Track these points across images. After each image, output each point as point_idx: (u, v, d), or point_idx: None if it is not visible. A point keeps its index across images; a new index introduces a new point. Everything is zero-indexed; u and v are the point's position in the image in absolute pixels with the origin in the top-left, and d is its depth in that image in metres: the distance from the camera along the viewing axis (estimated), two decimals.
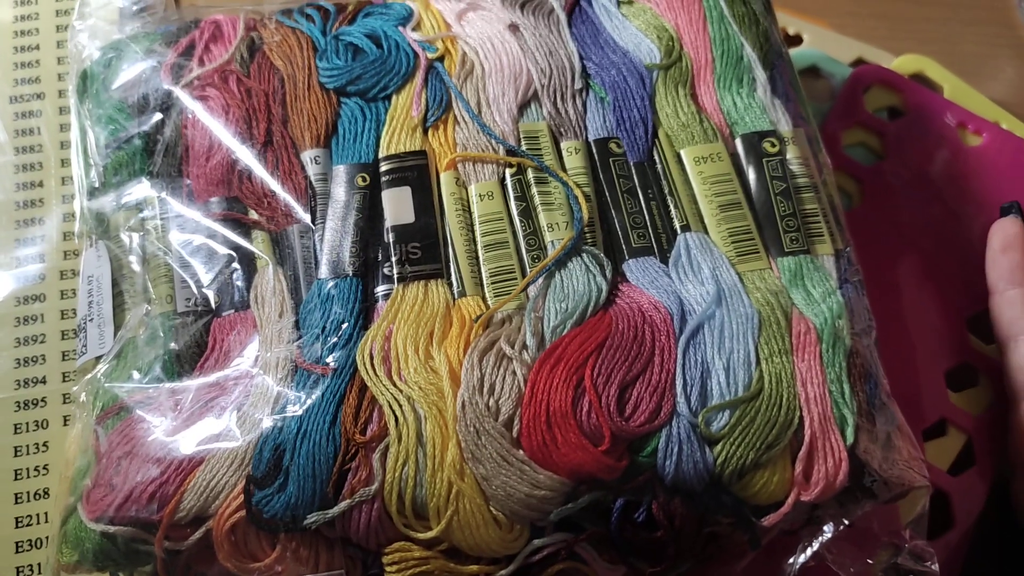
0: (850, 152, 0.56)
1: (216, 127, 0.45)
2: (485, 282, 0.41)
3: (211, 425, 0.38)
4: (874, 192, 0.54)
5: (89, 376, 0.42)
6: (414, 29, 0.48)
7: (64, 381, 0.50)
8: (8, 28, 0.58)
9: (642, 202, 0.43)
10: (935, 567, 0.39)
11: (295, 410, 0.38)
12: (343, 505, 0.36)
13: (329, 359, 0.39)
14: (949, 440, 0.49)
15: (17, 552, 0.46)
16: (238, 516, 0.37)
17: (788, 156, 0.44)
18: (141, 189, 0.44)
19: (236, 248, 0.43)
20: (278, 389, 0.39)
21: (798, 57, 0.59)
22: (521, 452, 0.37)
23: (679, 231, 0.43)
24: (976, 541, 0.47)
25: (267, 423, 0.38)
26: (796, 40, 0.61)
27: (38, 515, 0.47)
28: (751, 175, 0.44)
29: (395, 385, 0.38)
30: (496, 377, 0.38)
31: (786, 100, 0.46)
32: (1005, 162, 0.55)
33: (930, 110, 0.57)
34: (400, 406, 0.38)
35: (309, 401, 0.38)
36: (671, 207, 0.43)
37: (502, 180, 0.44)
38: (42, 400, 0.49)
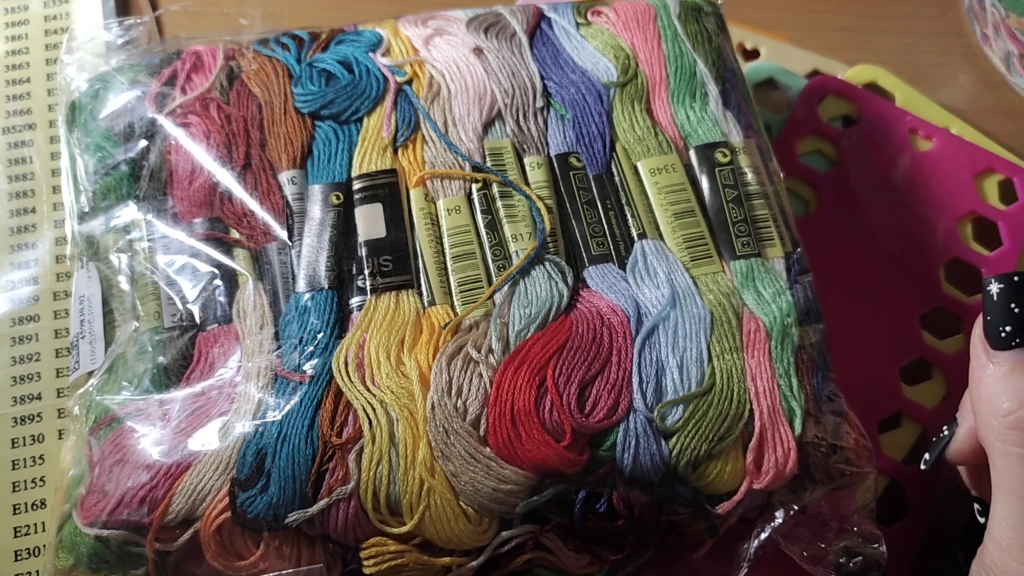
0: (806, 160, 0.58)
1: (198, 152, 0.47)
2: (453, 291, 0.44)
3: (198, 432, 0.41)
4: (829, 197, 0.57)
5: (82, 391, 0.44)
6: (384, 55, 0.50)
7: (59, 397, 0.52)
8: (0, 63, 0.60)
9: (601, 212, 0.46)
10: (883, 548, 0.41)
11: (275, 416, 0.40)
12: (322, 503, 0.38)
13: (306, 367, 0.41)
14: (904, 432, 0.51)
15: (16, 560, 0.48)
16: (224, 517, 0.39)
17: (739, 165, 0.47)
18: (128, 212, 0.47)
19: (218, 265, 0.45)
20: (259, 396, 0.41)
21: (755, 70, 0.62)
22: (488, 449, 0.39)
23: (636, 239, 0.45)
24: (930, 530, 0.49)
25: (250, 428, 0.40)
26: (754, 54, 0.63)
27: (35, 525, 0.49)
28: (704, 184, 0.47)
29: (368, 390, 0.40)
30: (463, 380, 0.40)
31: (738, 112, 0.49)
32: (953, 165, 0.58)
33: (882, 118, 0.59)
34: (373, 409, 0.40)
35: (288, 407, 0.40)
36: (628, 216, 0.46)
37: (469, 195, 0.46)
38: (38, 415, 0.51)
